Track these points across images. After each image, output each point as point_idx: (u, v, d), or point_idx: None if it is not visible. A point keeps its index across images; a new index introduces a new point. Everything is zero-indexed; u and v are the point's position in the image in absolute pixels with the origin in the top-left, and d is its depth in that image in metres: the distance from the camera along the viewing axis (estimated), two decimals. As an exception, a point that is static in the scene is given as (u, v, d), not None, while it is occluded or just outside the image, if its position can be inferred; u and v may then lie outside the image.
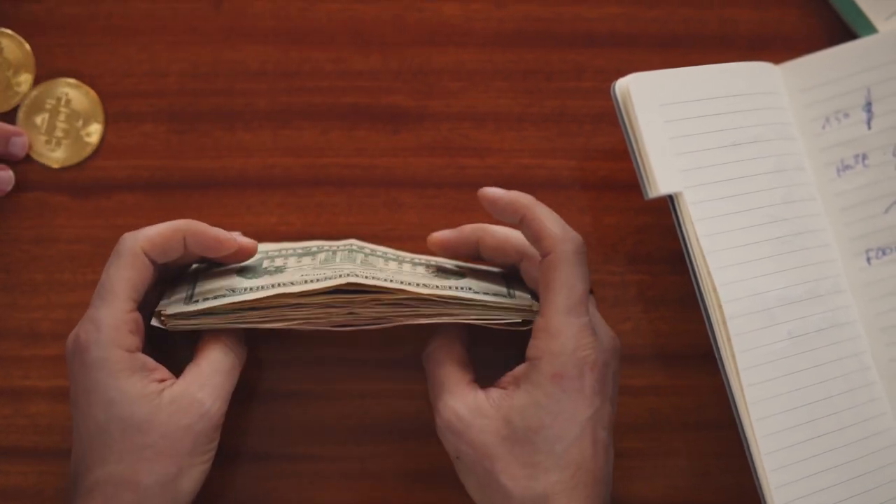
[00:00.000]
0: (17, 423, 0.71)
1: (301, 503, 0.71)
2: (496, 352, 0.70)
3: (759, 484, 0.65)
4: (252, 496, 0.71)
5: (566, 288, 0.63)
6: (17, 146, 0.72)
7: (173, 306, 0.65)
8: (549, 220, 0.64)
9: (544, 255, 0.64)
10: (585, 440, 0.63)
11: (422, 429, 0.71)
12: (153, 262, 0.65)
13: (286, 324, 0.64)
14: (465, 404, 0.64)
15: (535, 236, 0.64)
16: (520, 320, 0.66)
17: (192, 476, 0.65)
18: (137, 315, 0.65)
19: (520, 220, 0.65)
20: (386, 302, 0.64)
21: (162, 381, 0.64)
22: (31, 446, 0.71)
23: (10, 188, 0.72)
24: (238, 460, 0.71)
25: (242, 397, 0.68)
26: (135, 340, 0.64)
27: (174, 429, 0.63)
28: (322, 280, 0.64)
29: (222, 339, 0.66)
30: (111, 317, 0.64)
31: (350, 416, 0.72)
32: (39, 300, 0.72)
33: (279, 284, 0.64)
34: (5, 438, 0.71)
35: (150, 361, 0.65)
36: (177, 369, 0.66)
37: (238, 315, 0.65)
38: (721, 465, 0.71)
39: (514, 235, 0.68)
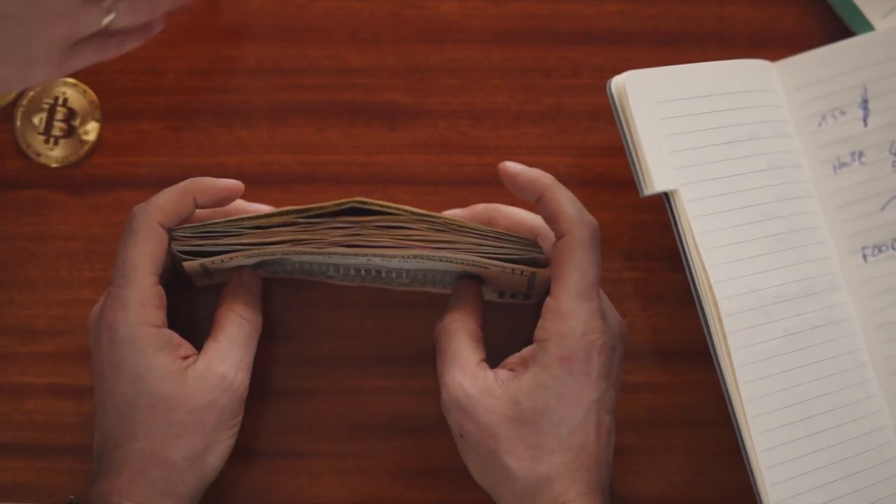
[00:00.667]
0: (15, 419, 0.71)
1: (297, 500, 0.71)
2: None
3: (755, 481, 0.65)
4: (248, 493, 0.71)
5: (579, 271, 0.64)
6: None
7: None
8: (567, 201, 0.64)
9: (559, 236, 0.64)
10: (590, 423, 0.64)
11: (419, 426, 0.71)
12: (167, 230, 0.66)
13: (294, 245, 0.64)
14: (474, 382, 0.64)
15: (551, 217, 0.64)
16: (528, 258, 0.66)
17: (218, 451, 0.66)
18: (160, 289, 0.66)
19: (538, 199, 0.65)
20: (392, 227, 0.64)
21: (186, 357, 0.65)
22: (29, 443, 0.71)
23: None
24: (235, 457, 0.70)
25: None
26: (160, 315, 0.65)
27: (200, 405, 0.64)
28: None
29: (235, 309, 0.67)
30: (136, 294, 0.64)
31: (347, 413, 0.72)
32: (36, 297, 0.72)
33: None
34: (2, 435, 0.71)
35: (175, 336, 0.65)
36: (197, 343, 0.67)
37: (248, 235, 0.65)
38: (717, 463, 0.71)
39: (527, 215, 0.68)
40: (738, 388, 0.65)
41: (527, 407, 0.63)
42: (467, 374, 0.65)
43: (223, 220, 0.66)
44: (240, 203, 0.68)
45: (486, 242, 0.65)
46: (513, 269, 0.66)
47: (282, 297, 0.72)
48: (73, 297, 0.72)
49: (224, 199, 0.67)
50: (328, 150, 0.74)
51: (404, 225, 0.64)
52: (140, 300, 0.64)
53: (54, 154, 0.73)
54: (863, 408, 0.67)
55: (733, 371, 0.65)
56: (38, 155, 0.73)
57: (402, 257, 0.65)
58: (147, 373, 0.64)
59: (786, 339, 0.66)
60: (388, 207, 0.64)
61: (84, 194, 0.73)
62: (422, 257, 0.65)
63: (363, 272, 0.69)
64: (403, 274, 0.69)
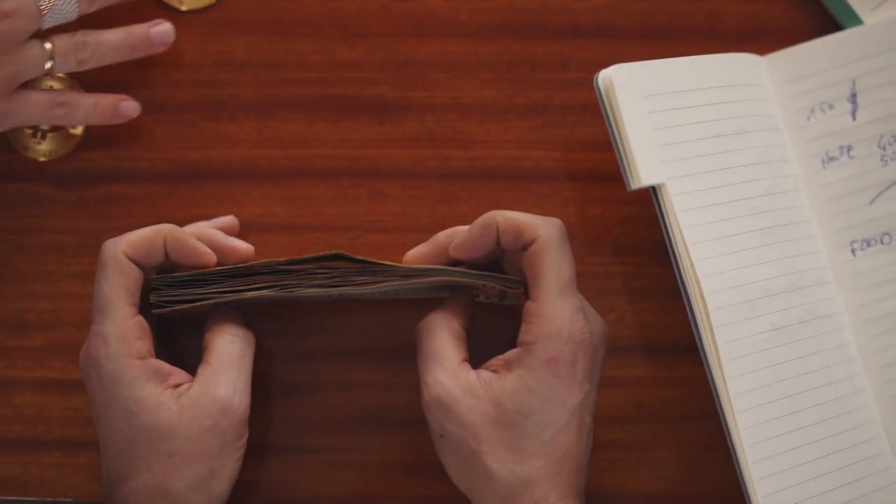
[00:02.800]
0: (2, 413, 0.71)
1: (286, 495, 0.71)
2: (482, 337, 0.70)
3: (742, 476, 0.65)
4: (236, 488, 0.70)
5: (555, 268, 0.63)
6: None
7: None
8: (522, 214, 0.64)
9: (529, 244, 0.64)
10: (572, 427, 0.64)
11: (407, 420, 0.71)
12: (139, 265, 0.65)
13: (271, 290, 0.64)
14: (455, 382, 0.64)
15: (515, 234, 0.64)
16: (506, 285, 0.66)
17: (224, 476, 0.65)
18: (140, 319, 0.65)
19: (497, 230, 0.65)
20: (371, 270, 0.64)
21: (178, 385, 0.65)
22: (16, 436, 0.71)
23: (171, 41, 0.72)
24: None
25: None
26: (144, 345, 0.64)
27: (198, 432, 0.63)
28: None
29: (223, 329, 0.66)
30: (115, 328, 0.64)
31: (335, 407, 0.72)
32: (25, 290, 0.72)
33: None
34: (-10, 429, 0.72)
35: (163, 366, 0.65)
36: (192, 369, 0.66)
37: (227, 283, 0.65)
38: (705, 457, 0.71)
39: None
40: (725, 382, 0.65)
41: (510, 409, 0.63)
42: (449, 373, 0.64)
43: (200, 272, 0.65)
44: (216, 234, 0.67)
45: (465, 280, 0.65)
46: (484, 285, 0.66)
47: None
48: (61, 291, 0.72)
49: (189, 260, 0.66)
50: (316, 145, 0.73)
51: (383, 269, 0.64)
52: (120, 334, 0.64)
53: (42, 148, 0.73)
54: (851, 402, 0.67)
55: (720, 366, 0.65)
56: (26, 149, 0.73)
57: (376, 289, 0.65)
58: (137, 407, 0.63)
59: (773, 333, 0.66)
60: (369, 261, 0.64)
61: (72, 188, 0.73)
62: (396, 287, 0.65)
63: (336, 296, 0.69)
64: (377, 294, 0.69)
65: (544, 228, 0.64)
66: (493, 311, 0.71)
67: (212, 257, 0.66)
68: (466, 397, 0.63)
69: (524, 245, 0.64)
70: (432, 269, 0.65)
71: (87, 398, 0.66)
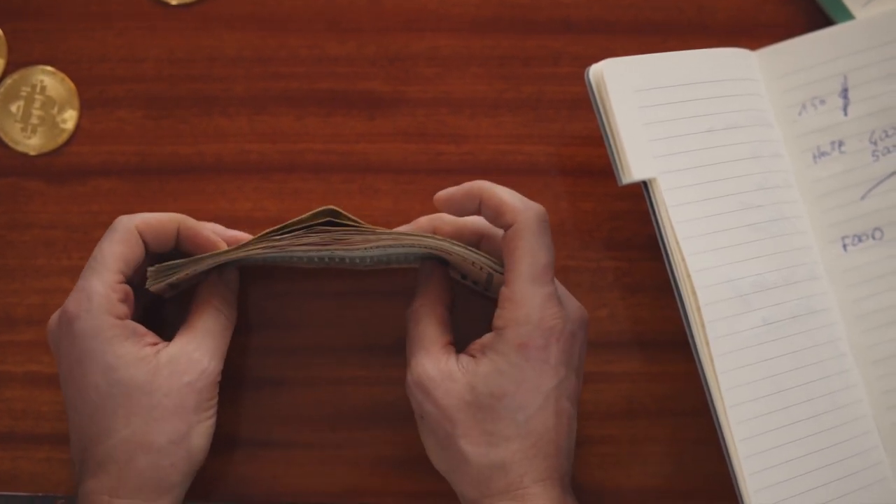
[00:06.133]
0: (-9, 408, 0.72)
1: (276, 490, 0.71)
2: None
3: (734, 471, 0.65)
4: (226, 482, 0.71)
5: (530, 256, 0.64)
6: None
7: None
8: (507, 194, 0.65)
9: (507, 227, 0.64)
10: (548, 410, 0.64)
11: (398, 416, 0.71)
12: (146, 244, 0.66)
13: (267, 249, 0.64)
14: (435, 365, 0.65)
15: (495, 212, 0.64)
16: (493, 267, 0.66)
17: (201, 431, 0.66)
18: (127, 287, 0.65)
19: (479, 203, 0.65)
20: (363, 231, 0.64)
21: (154, 344, 0.65)
22: (6, 431, 0.71)
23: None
24: (213, 446, 0.70)
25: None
26: (124, 308, 0.65)
27: (177, 387, 0.64)
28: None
29: (212, 301, 0.67)
30: (101, 285, 0.64)
31: (326, 402, 0.72)
32: (14, 285, 0.72)
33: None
34: (-21, 423, 0.71)
35: (140, 327, 0.65)
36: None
37: (223, 255, 0.65)
38: (697, 452, 0.71)
39: (468, 219, 0.68)
40: (716, 377, 0.65)
41: (483, 392, 0.63)
42: (431, 357, 0.65)
43: (192, 258, 0.65)
44: (220, 230, 0.69)
45: (455, 249, 0.65)
46: (473, 262, 0.66)
47: (259, 286, 0.72)
48: (50, 286, 0.72)
49: (202, 249, 0.67)
50: (307, 139, 0.73)
51: (375, 234, 0.64)
52: (104, 292, 0.64)
53: (32, 142, 0.73)
54: (842, 398, 0.67)
55: (711, 360, 0.65)
56: (16, 143, 0.73)
57: (367, 248, 0.65)
58: (116, 361, 0.64)
59: (764, 328, 0.66)
60: (361, 224, 0.64)
61: (62, 183, 0.73)
62: (387, 247, 0.65)
63: (327, 259, 0.70)
64: (367, 259, 0.69)
65: (524, 214, 0.64)
66: (484, 296, 0.71)
67: (223, 245, 0.67)
68: (445, 380, 0.64)
69: (502, 225, 0.65)
70: (424, 235, 0.65)
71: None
